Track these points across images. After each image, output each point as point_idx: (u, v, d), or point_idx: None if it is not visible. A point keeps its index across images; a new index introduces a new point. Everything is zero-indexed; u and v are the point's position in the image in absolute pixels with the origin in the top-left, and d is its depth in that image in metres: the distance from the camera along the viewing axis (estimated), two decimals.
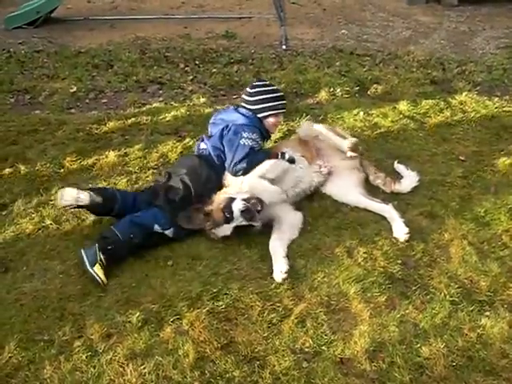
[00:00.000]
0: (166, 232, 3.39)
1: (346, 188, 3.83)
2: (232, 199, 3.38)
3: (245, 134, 3.66)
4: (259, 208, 3.36)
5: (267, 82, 4.07)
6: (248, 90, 3.92)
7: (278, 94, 3.94)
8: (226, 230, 3.39)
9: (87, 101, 5.16)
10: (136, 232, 3.28)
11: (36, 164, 4.14)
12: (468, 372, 2.66)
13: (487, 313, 3.00)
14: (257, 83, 3.99)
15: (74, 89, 5.25)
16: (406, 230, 3.52)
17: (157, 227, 3.36)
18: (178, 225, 3.41)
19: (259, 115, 3.83)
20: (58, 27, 6.95)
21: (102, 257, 3.13)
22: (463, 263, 3.35)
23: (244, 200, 3.35)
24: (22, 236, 3.49)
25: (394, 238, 3.53)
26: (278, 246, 3.36)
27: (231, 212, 3.34)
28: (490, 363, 2.71)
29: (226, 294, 3.06)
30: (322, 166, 3.85)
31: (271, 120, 3.88)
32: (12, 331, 2.81)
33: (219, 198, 3.46)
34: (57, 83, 5.38)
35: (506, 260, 3.38)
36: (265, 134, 3.92)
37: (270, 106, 3.84)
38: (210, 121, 3.99)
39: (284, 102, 3.96)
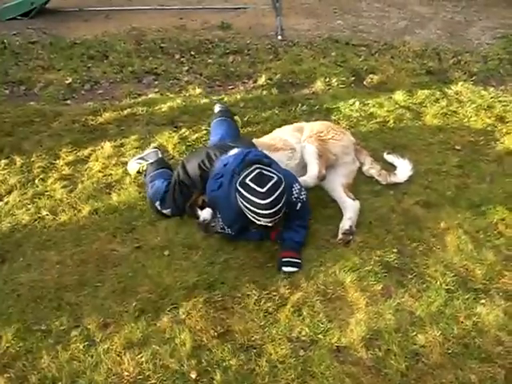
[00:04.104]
0: (164, 211, 3.57)
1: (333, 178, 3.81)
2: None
3: (219, 223, 3.31)
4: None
5: (263, 190, 2.99)
6: (238, 186, 3.06)
7: (270, 212, 3.02)
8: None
9: (83, 92, 5.12)
10: (148, 189, 3.71)
11: (32, 155, 4.12)
12: (464, 359, 2.69)
13: (483, 301, 3.02)
14: (250, 185, 3.02)
15: (70, 80, 5.20)
16: (345, 228, 3.45)
17: (157, 204, 3.56)
18: (176, 206, 3.54)
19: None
20: (53, 18, 6.88)
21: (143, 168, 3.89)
22: (459, 252, 3.37)
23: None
24: (18, 227, 3.48)
25: (388, 227, 3.55)
26: None
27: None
28: (486, 350, 2.74)
29: (222, 283, 3.07)
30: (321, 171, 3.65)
31: (257, 222, 3.15)
32: (9, 321, 2.82)
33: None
34: (52, 74, 5.33)
35: (501, 248, 3.40)
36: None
37: (255, 218, 3.09)
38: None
39: (275, 217, 3.08)
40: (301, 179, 3.43)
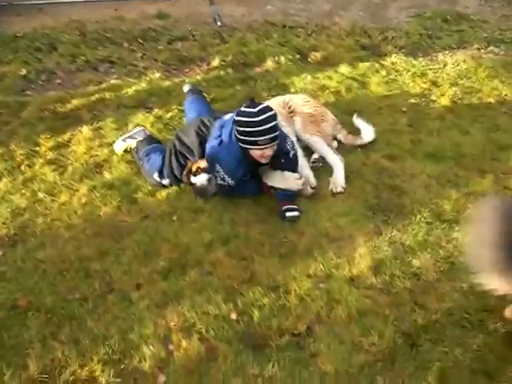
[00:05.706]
0: (163, 182, 3.75)
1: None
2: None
3: (219, 176, 3.53)
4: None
5: (255, 110, 3.34)
6: (235, 116, 3.42)
7: (264, 127, 3.33)
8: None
9: (40, 82, 5.05)
10: (143, 163, 3.86)
11: (9, 144, 4.08)
12: (453, 273, 3.17)
13: (456, 228, 3.52)
14: (244, 110, 3.38)
15: (24, 72, 5.11)
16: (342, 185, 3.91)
17: (156, 175, 3.74)
18: (174, 176, 3.73)
19: (242, 146, 3.45)
20: None
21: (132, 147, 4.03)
22: (427, 192, 3.87)
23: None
24: (18, 211, 3.50)
25: (364, 177, 3.98)
26: None
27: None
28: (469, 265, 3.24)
29: (235, 237, 3.34)
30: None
31: (257, 152, 3.46)
32: (43, 295, 2.90)
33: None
34: (3, 67, 5.19)
35: (460, 187, 3.93)
36: (249, 163, 3.54)
37: (253, 141, 3.38)
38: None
39: (271, 135, 3.38)
40: (335, 174, 3.95)
